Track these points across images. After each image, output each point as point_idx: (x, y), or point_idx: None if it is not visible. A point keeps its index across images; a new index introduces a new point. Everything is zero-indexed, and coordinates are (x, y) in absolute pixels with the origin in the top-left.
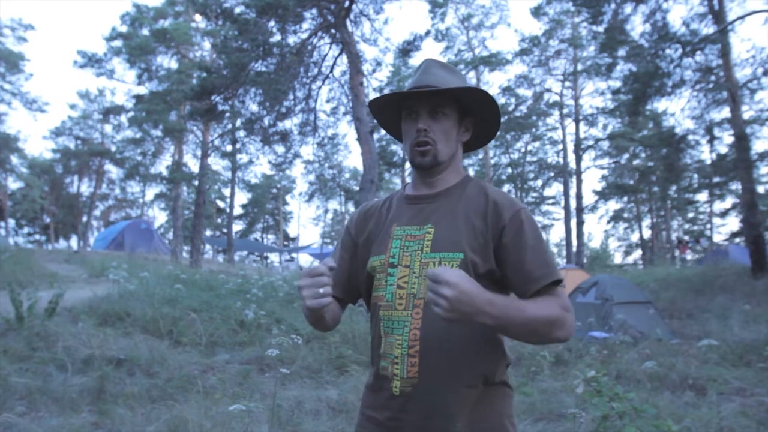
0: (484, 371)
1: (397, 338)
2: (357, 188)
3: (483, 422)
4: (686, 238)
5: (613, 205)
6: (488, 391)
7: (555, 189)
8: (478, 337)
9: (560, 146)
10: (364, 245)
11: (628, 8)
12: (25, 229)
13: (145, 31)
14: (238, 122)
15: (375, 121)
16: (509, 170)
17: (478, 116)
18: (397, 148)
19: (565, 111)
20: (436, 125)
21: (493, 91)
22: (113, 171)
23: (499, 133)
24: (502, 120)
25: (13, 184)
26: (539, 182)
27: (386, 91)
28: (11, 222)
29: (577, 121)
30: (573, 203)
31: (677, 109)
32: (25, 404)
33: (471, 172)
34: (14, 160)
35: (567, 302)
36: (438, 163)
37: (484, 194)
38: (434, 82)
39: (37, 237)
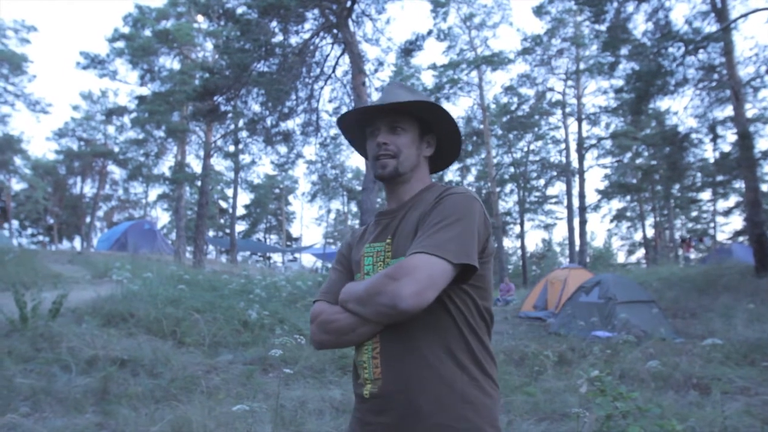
0: (453, 370)
1: (365, 345)
2: (360, 188)
3: (460, 423)
4: (690, 236)
5: (616, 204)
6: (468, 392)
7: (558, 188)
8: (442, 335)
9: (563, 145)
10: (353, 264)
11: (630, 7)
12: (29, 230)
13: (148, 32)
14: (241, 123)
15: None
16: (512, 169)
17: (441, 132)
18: None
19: (568, 110)
20: (396, 139)
21: (495, 90)
22: (116, 172)
23: (501, 132)
24: (504, 119)
25: (17, 186)
26: (542, 181)
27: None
28: (15, 223)
29: (579, 120)
30: (576, 202)
31: (680, 108)
32: (30, 405)
33: (474, 171)
34: (18, 161)
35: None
36: (399, 173)
37: (438, 194)
38: (394, 101)
39: (40, 238)
